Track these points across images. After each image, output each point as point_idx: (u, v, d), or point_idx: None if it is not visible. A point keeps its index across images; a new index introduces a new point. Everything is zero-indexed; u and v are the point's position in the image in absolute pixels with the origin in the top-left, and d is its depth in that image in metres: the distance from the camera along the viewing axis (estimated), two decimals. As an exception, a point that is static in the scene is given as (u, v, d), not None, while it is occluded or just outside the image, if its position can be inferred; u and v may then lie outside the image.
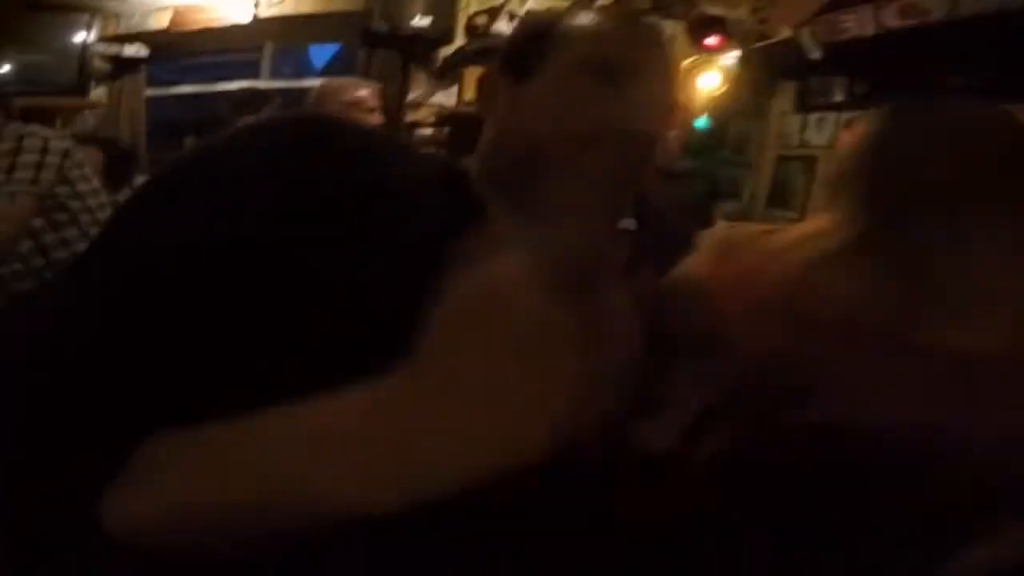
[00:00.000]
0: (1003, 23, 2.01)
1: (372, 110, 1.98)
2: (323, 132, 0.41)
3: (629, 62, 0.51)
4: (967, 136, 0.55)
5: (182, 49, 3.65)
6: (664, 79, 0.54)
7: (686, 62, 3.45)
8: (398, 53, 3.09)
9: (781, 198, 3.26)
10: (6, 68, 3.29)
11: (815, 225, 0.59)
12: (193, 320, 0.33)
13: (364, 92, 1.97)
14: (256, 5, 3.19)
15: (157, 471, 0.29)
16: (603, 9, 0.56)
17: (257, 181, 0.36)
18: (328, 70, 4.47)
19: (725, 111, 3.46)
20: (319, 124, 0.42)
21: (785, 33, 3.05)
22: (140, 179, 2.81)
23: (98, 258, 0.36)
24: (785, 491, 0.52)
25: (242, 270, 0.34)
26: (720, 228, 0.67)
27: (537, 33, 0.55)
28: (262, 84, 3.85)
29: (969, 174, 0.53)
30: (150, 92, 3.71)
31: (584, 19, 0.55)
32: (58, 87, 3.30)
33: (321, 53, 4.82)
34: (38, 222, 1.56)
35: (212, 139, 0.40)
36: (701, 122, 3.47)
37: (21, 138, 1.57)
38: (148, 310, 0.32)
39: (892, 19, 2.36)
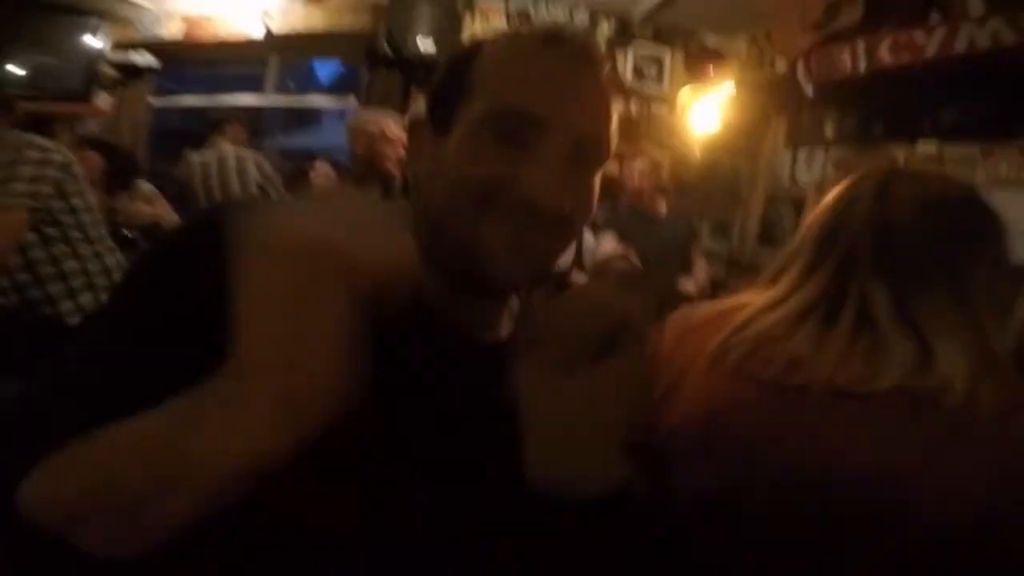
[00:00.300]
0: (996, 60, 2.05)
1: (394, 141, 2.09)
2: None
3: (537, 116, 0.44)
4: (917, 210, 0.59)
5: (191, 60, 3.68)
6: (585, 130, 0.45)
7: (682, 92, 3.52)
8: (400, 74, 3.13)
9: (771, 236, 3.29)
10: (14, 69, 3.26)
11: (769, 295, 0.63)
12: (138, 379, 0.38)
13: (390, 125, 2.11)
14: (267, 17, 3.22)
15: (56, 463, 0.33)
16: (529, 37, 0.47)
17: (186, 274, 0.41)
18: (332, 87, 4.54)
19: (717, 147, 3.51)
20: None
21: (781, 67, 3.11)
22: (140, 183, 2.81)
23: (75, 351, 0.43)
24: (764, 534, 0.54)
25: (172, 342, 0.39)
26: (679, 313, 0.70)
27: (452, 77, 0.48)
28: (266, 99, 3.91)
29: (916, 243, 0.58)
30: (154, 101, 3.73)
31: (497, 53, 0.47)
32: (64, 92, 3.29)
33: (326, 70, 4.90)
34: (30, 236, 1.54)
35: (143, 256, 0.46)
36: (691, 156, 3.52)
37: (21, 149, 1.55)
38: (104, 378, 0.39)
39: (886, 55, 2.41)
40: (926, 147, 2.84)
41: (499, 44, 0.48)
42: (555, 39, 0.46)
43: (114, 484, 0.31)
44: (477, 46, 0.49)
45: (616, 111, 0.48)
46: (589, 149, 0.46)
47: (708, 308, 0.68)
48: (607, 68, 0.48)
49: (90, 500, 0.32)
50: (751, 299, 0.64)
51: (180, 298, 0.39)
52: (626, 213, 2.63)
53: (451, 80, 0.48)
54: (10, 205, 1.50)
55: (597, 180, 0.48)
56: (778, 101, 3.29)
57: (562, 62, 0.46)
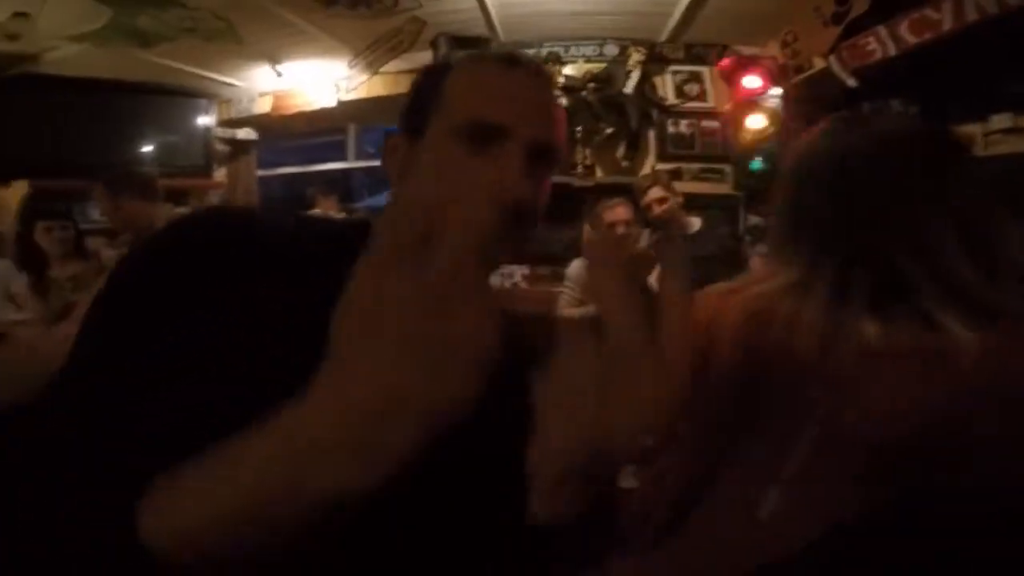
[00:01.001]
0: (1011, 21, 1.99)
1: None
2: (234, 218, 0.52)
3: (499, 125, 0.52)
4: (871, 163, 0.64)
5: (282, 131, 4.28)
6: (537, 133, 0.53)
7: (728, 106, 3.58)
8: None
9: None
10: (145, 148, 3.83)
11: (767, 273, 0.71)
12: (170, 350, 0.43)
13: None
14: (338, 89, 3.77)
15: (178, 494, 0.30)
16: (492, 60, 0.56)
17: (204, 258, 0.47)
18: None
19: (777, 151, 3.49)
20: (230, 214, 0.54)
21: (819, 64, 3.11)
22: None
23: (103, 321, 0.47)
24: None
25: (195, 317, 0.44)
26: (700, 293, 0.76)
27: (424, 92, 0.56)
28: (348, 164, 4.49)
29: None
30: (259, 173, 4.40)
31: (465, 74, 0.55)
32: (188, 168, 3.90)
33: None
34: None
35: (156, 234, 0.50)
36: (755, 164, 3.53)
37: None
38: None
39: (908, 35, 2.39)
40: (1001, 121, 2.71)
41: (466, 65, 0.57)
42: (512, 61, 0.56)
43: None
44: (446, 65, 0.58)
45: (562, 122, 0.58)
46: (541, 150, 0.54)
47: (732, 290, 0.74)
48: (554, 87, 0.58)
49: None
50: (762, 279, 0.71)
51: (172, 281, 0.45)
52: (656, 240, 2.78)
53: (424, 93, 0.56)
54: None
55: (550, 177, 0.57)
56: (830, 97, 3.25)
57: (518, 80, 0.55)
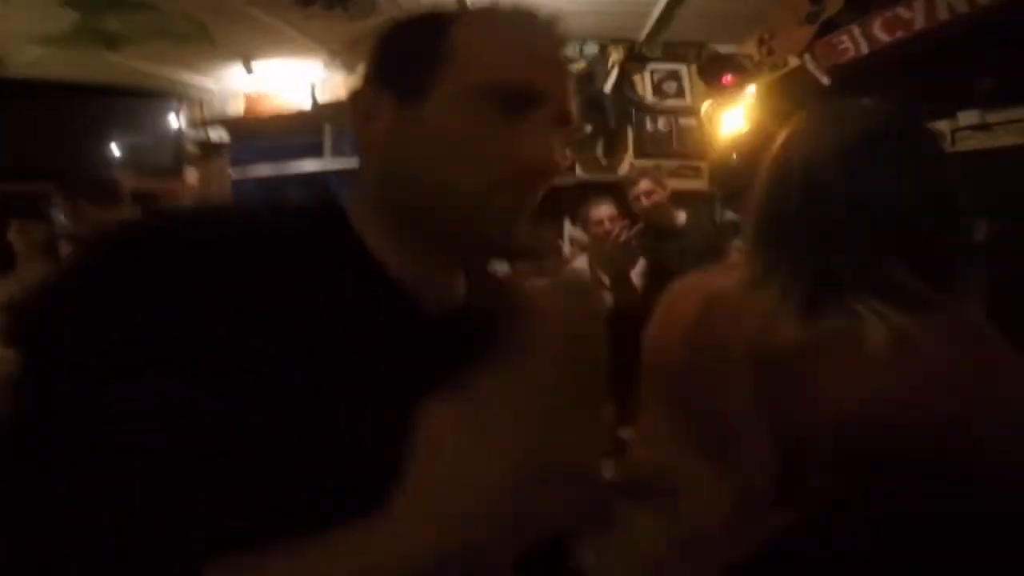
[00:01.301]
0: (980, 20, 2.05)
1: None
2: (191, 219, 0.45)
3: (534, 90, 0.46)
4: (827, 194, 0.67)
5: (256, 132, 4.18)
6: (566, 98, 0.49)
7: (705, 104, 3.63)
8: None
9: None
10: (113, 150, 3.75)
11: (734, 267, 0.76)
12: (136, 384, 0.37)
13: None
14: (314, 90, 3.70)
15: None
16: (511, 12, 0.50)
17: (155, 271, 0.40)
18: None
19: (751, 149, 3.54)
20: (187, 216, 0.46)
21: (794, 63, 3.17)
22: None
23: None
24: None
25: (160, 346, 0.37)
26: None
27: (422, 44, 0.47)
28: (325, 164, 4.42)
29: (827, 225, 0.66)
30: (232, 174, 4.28)
31: (483, 25, 0.48)
32: (157, 170, 3.79)
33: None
34: None
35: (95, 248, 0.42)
36: (730, 162, 3.58)
37: None
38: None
39: (880, 34, 2.45)
40: (968, 118, 2.79)
41: (478, 17, 0.49)
42: (532, 15, 0.50)
43: None
44: (448, 15, 0.49)
45: None
46: (566, 114, 0.49)
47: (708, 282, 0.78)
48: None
49: None
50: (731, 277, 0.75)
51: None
52: (643, 232, 2.81)
53: (421, 47, 0.47)
54: None
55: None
56: (805, 96, 3.31)
57: (544, 37, 0.49)
